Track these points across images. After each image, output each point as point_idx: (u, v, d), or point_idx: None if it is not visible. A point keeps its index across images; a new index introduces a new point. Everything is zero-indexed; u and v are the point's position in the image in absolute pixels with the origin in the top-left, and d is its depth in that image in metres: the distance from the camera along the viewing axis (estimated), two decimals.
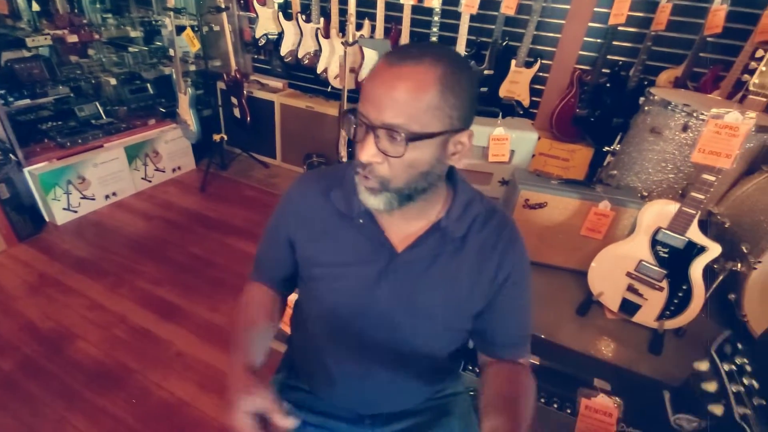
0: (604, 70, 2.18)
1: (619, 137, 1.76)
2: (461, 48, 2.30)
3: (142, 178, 2.69)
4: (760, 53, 1.11)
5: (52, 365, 1.58)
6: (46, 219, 2.33)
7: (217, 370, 1.59)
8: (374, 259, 0.71)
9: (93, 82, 2.72)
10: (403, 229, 0.71)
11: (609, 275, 1.41)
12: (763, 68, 1.09)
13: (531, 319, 0.79)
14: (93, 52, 2.84)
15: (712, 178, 1.18)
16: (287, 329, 1.08)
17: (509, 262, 0.72)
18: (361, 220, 0.71)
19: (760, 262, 1.24)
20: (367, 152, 0.59)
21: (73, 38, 2.50)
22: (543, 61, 2.31)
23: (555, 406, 1.10)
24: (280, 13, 2.69)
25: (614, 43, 2.11)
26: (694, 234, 1.24)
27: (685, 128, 1.46)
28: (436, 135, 0.59)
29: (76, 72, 2.65)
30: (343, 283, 0.73)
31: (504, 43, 2.31)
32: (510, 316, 0.75)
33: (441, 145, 0.61)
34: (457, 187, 0.72)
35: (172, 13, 2.32)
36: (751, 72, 1.15)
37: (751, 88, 1.12)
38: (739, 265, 1.29)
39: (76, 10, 2.75)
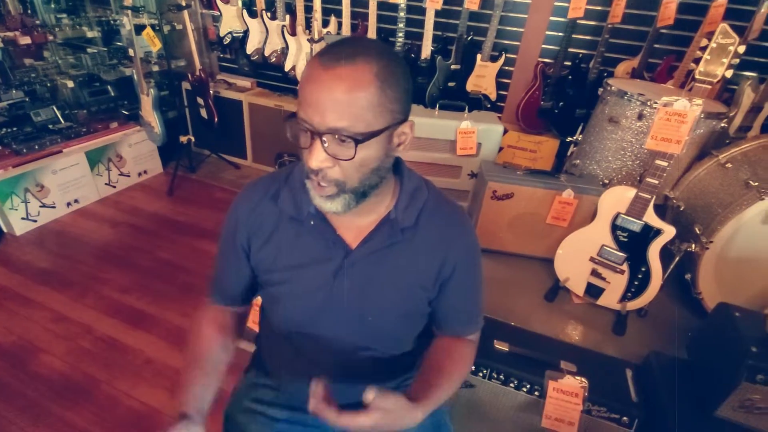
0: (566, 63, 2.24)
1: (580, 127, 1.81)
2: (428, 43, 2.33)
3: (106, 184, 2.60)
4: (704, 42, 1.16)
5: (15, 381, 1.51)
6: (4, 230, 2.22)
7: None
8: (329, 258, 0.72)
9: (49, 85, 2.61)
10: (355, 225, 0.72)
11: (574, 261, 1.46)
12: (708, 57, 1.14)
13: (481, 300, 0.83)
14: (48, 54, 2.72)
15: (665, 164, 1.23)
16: (256, 328, 1.07)
17: (459, 249, 0.74)
18: (312, 222, 0.71)
19: (711, 242, 1.30)
20: (317, 158, 0.58)
21: (25, 40, 2.39)
22: (508, 55, 2.36)
23: (524, 389, 1.13)
24: (245, 11, 2.64)
25: (574, 36, 2.17)
26: (651, 218, 1.29)
27: (640, 117, 1.52)
28: (382, 131, 0.59)
29: (31, 75, 2.53)
30: (302, 284, 0.73)
31: (469, 38, 2.34)
32: (460, 299, 0.78)
33: (387, 139, 0.62)
34: (403, 178, 0.73)
35: (129, 12, 2.24)
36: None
37: (697, 76, 1.17)
38: (693, 245, 1.35)
39: (29, 11, 2.63)
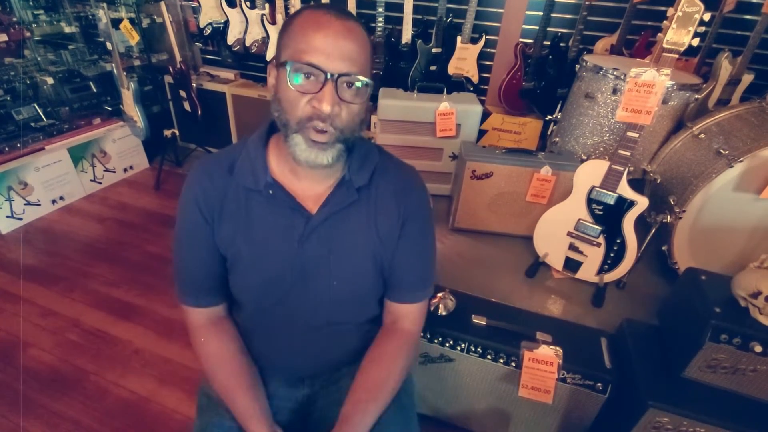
0: (545, 43, 2.23)
1: (559, 105, 1.82)
2: (408, 27, 2.32)
3: (91, 180, 2.59)
4: (671, 12, 1.16)
5: (3, 375, 1.52)
6: None
7: (177, 364, 1.57)
8: (291, 226, 0.72)
9: (29, 82, 2.58)
10: (313, 191, 0.73)
11: (552, 236, 1.48)
12: (674, 26, 1.15)
13: (432, 264, 0.83)
14: (29, 51, 2.69)
15: (636, 135, 1.24)
16: None
17: (409, 203, 0.77)
18: (270, 191, 0.71)
19: (684, 211, 1.32)
20: (330, 101, 0.61)
21: (2, 37, 2.37)
22: (488, 37, 2.35)
23: (501, 361, 1.15)
24: (223, 1, 2.61)
25: (553, 15, 2.16)
26: (624, 189, 1.30)
27: (615, 91, 1.53)
28: (371, 85, 0.66)
29: (10, 73, 2.51)
30: (266, 256, 0.74)
31: (449, 21, 2.33)
32: (411, 257, 0.79)
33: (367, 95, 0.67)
34: (354, 143, 0.74)
35: (105, 5, 2.22)
36: None
37: (664, 45, 1.18)
38: (667, 216, 1.37)
39: (7, 9, 2.60)
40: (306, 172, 0.71)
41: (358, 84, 0.63)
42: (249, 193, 0.72)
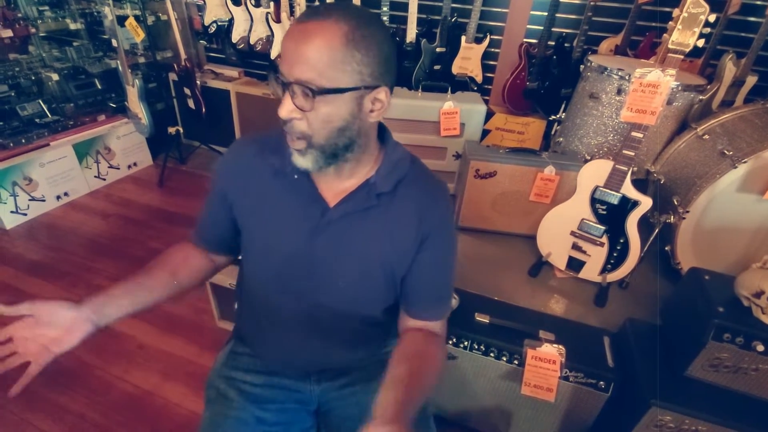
0: (550, 43, 2.23)
1: (563, 105, 1.82)
2: (412, 26, 2.32)
3: (96, 177, 2.61)
4: (676, 12, 1.16)
5: (8, 369, 1.53)
6: None
7: (180, 359, 1.58)
8: (308, 215, 0.73)
9: (34, 78, 2.59)
10: (336, 186, 0.74)
11: (555, 236, 1.48)
12: (679, 27, 1.15)
13: (451, 283, 0.82)
14: (33, 48, 2.70)
15: (640, 135, 1.24)
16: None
17: (432, 220, 0.74)
18: (296, 176, 0.72)
19: (688, 211, 1.33)
20: (285, 108, 0.62)
21: (7, 33, 2.38)
22: (492, 37, 2.35)
23: (504, 359, 1.15)
24: None
25: (558, 15, 2.17)
26: (628, 189, 1.31)
27: (619, 92, 1.53)
28: (346, 90, 0.60)
29: (15, 69, 2.52)
30: (279, 240, 0.75)
31: (453, 20, 2.34)
32: (429, 276, 0.77)
33: (355, 100, 0.62)
34: (387, 148, 0.75)
35: (110, 2, 2.23)
36: None
37: (670, 46, 1.18)
38: (671, 217, 1.37)
39: (12, 5, 2.61)
40: (324, 168, 0.71)
41: (309, 91, 0.59)
42: (275, 175, 0.74)
